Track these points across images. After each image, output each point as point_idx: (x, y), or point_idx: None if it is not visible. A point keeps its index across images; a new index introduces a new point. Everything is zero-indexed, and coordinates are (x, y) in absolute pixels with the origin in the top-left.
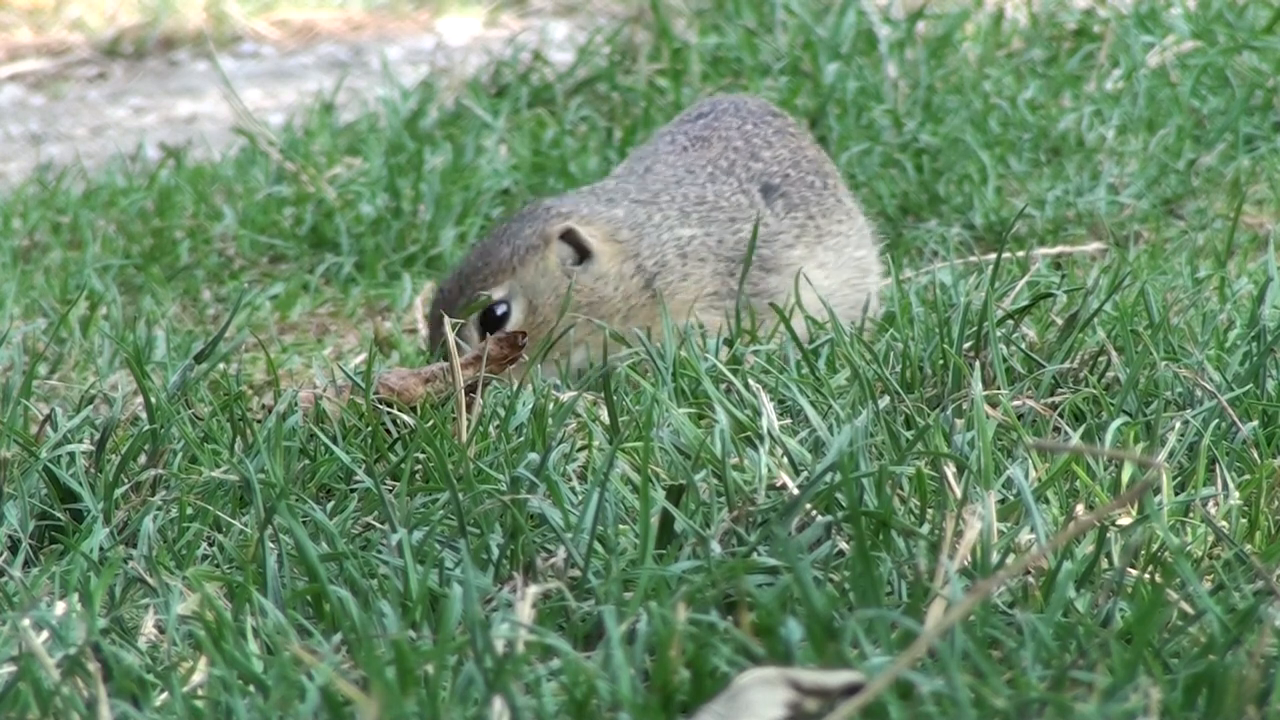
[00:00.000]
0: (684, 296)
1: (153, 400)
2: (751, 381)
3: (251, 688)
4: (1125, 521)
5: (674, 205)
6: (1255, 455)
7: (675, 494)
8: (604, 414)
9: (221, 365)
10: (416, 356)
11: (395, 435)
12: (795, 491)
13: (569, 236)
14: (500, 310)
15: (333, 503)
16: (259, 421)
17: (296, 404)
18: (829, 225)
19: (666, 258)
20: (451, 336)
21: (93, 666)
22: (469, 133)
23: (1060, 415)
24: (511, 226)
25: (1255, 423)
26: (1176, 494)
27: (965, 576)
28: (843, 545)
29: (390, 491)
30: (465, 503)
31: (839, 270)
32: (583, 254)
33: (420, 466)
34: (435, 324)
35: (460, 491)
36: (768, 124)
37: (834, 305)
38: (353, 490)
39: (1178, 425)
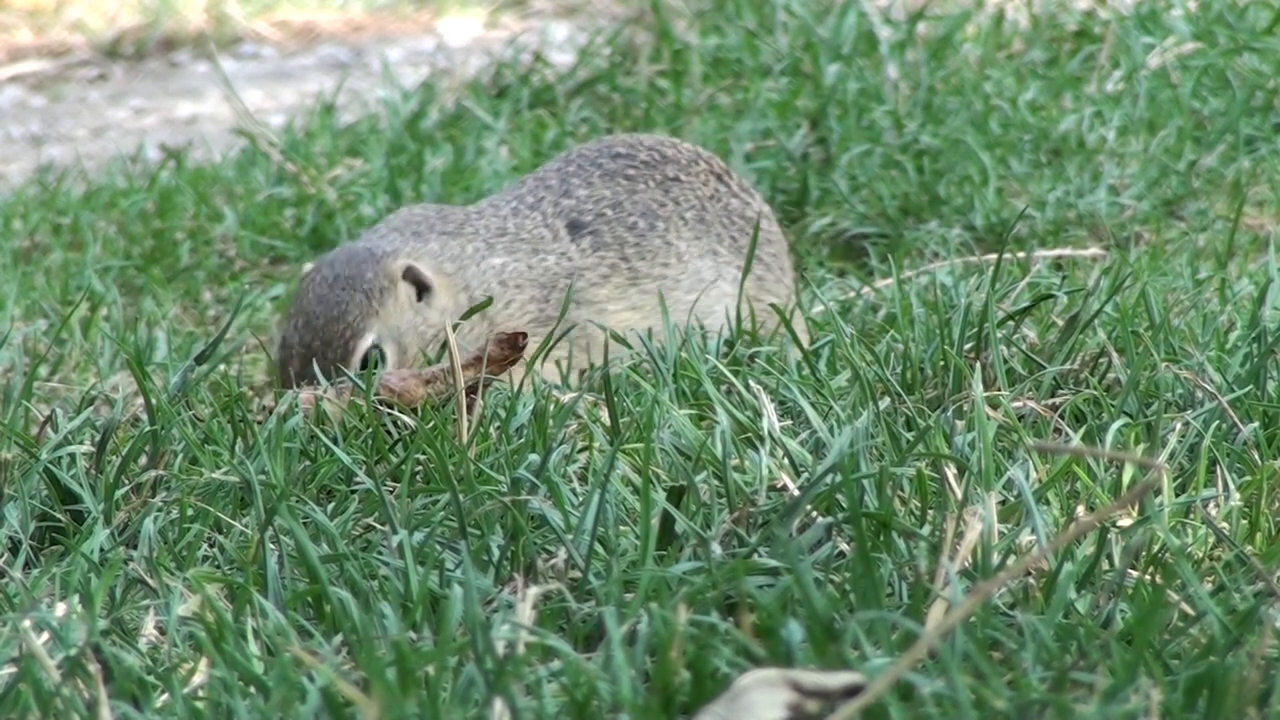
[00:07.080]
0: (508, 325)
1: (153, 401)
2: (752, 383)
3: (252, 689)
4: (1126, 523)
5: (479, 236)
6: (1256, 456)
7: (676, 495)
8: (604, 415)
9: (222, 366)
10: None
11: (396, 437)
12: (796, 493)
13: (409, 273)
14: (374, 354)
15: (333, 504)
16: (260, 423)
17: (297, 405)
18: (649, 269)
19: (490, 287)
20: (452, 337)
21: (93, 668)
22: (470, 134)
23: (1061, 416)
24: (342, 272)
25: (1256, 424)
26: (1177, 495)
27: (966, 578)
28: (843, 546)
29: (391, 493)
30: (466, 504)
31: (660, 314)
32: (421, 289)
33: (421, 468)
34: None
35: (461, 493)
36: (598, 166)
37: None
38: (353, 491)
39: (1178, 427)
